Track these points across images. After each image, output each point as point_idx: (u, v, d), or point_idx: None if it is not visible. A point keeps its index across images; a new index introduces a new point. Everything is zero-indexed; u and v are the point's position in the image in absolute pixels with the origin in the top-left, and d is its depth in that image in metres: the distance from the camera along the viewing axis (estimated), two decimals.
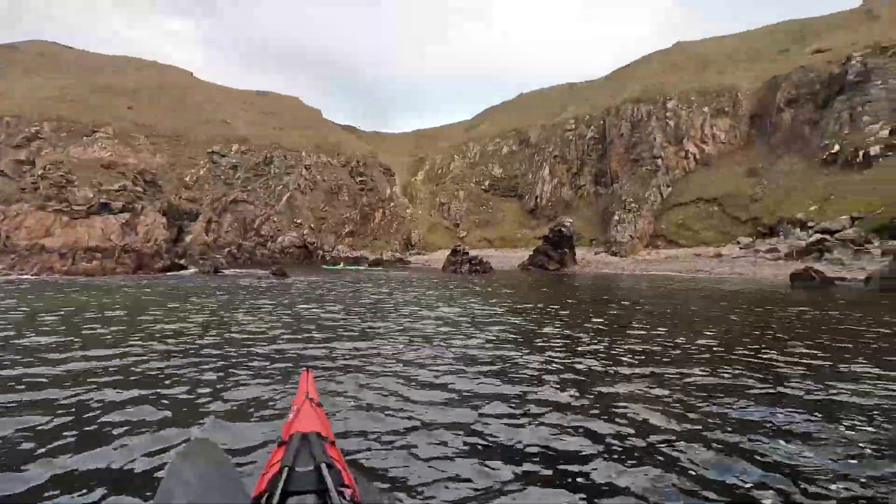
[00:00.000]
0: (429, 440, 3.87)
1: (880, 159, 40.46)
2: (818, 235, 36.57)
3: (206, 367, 6.29)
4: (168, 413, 4.48)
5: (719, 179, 52.62)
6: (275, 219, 56.33)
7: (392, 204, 78.35)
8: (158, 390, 5.17)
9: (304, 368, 3.11)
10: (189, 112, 63.18)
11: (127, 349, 7.36)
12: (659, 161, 56.00)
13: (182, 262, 35.22)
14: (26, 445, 3.75)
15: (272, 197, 57.60)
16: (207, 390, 5.25)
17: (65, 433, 4.01)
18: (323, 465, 1.84)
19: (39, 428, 4.07)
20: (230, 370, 6.08)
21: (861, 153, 41.89)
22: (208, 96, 71.61)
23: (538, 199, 72.86)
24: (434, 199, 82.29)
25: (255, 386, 5.43)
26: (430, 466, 3.41)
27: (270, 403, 4.80)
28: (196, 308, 12.64)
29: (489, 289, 19.36)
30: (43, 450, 3.66)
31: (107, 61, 77.77)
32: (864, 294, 18.00)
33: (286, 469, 1.81)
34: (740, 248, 42.86)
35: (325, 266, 48.99)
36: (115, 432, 4.01)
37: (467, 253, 30.58)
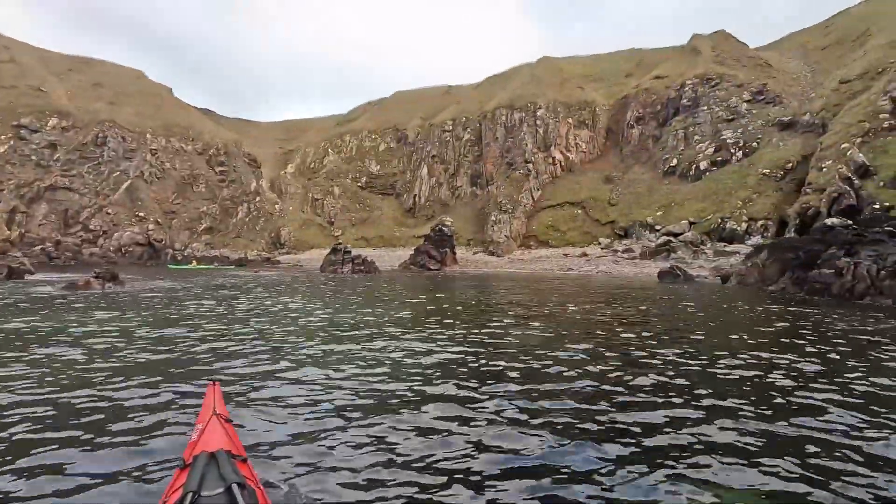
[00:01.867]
0: (346, 452, 3.56)
1: (707, 173, 47.31)
2: (664, 237, 41.29)
3: None
4: None
5: (582, 185, 57.25)
6: (109, 211, 47.13)
7: (258, 198, 71.58)
8: None
9: (211, 381, 2.86)
10: None
11: None
12: (530, 166, 59.09)
13: None
14: None
15: (105, 185, 48.13)
16: None
17: None
18: (234, 486, 1.67)
19: None
20: None
21: (693, 167, 48.60)
22: (13, 55, 57.58)
23: (417, 199, 72.36)
24: (306, 195, 77.08)
25: None
26: (349, 479, 3.14)
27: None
28: None
29: (384, 293, 17.52)
30: None
31: None
32: (724, 287, 20.07)
33: (190, 495, 1.62)
34: (602, 249, 46.80)
35: (170, 266, 42.11)
36: None
37: (349, 251, 28.17)
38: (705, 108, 51.58)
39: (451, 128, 72.46)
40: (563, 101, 64.50)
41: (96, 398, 4.71)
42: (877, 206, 31.49)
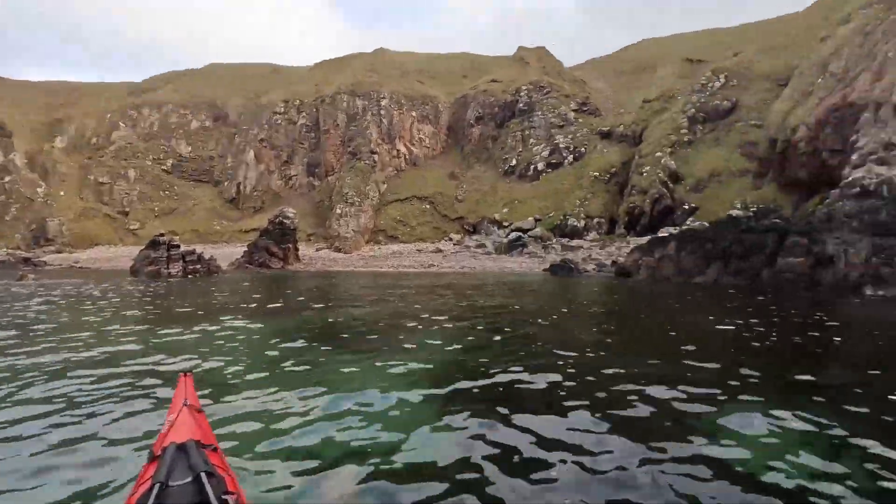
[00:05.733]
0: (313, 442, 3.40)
1: (543, 173, 50.73)
2: (514, 233, 42.60)
3: None
4: None
5: (428, 180, 56.38)
6: None
7: (9, 178, 53.38)
8: None
9: (183, 373, 2.78)
10: None
11: None
12: (376, 157, 55.95)
13: None
14: None
15: None
16: None
17: None
18: (203, 475, 1.66)
19: None
20: None
21: (532, 167, 51.66)
22: None
23: (241, 187, 62.68)
24: (86, 177, 60.38)
25: None
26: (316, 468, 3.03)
27: None
28: None
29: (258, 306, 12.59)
30: None
31: None
32: (610, 278, 20.26)
33: (158, 486, 1.62)
34: (454, 244, 46.38)
35: None
36: None
37: (177, 245, 20.96)
38: (540, 113, 55.43)
39: (282, 110, 64.66)
40: (405, 93, 62.88)
41: None
42: (686, 206, 37.02)
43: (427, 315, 9.67)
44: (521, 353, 6.11)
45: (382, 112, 58.88)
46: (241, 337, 7.10)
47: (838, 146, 21.23)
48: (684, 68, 56.85)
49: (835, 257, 12.58)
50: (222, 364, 5.64)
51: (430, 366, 5.41)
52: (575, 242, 39.64)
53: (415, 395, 4.40)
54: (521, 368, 5.40)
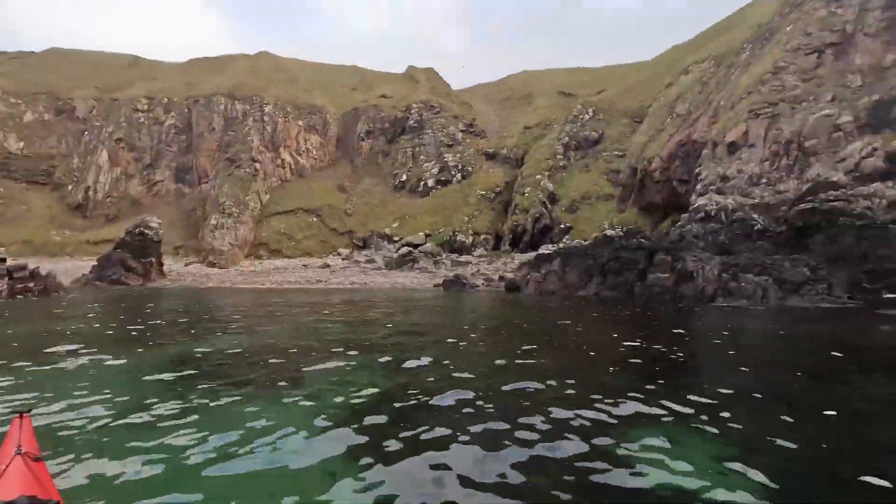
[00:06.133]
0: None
1: (433, 190, 51.71)
2: (405, 248, 42.59)
3: None
4: None
5: (316, 192, 54.21)
6: None
7: None
8: None
9: (18, 413, 2.40)
10: None
11: None
12: (257, 165, 52.40)
13: None
14: None
15: None
16: None
17: None
18: None
19: None
20: None
21: (422, 183, 52.38)
22: None
23: (91, 192, 54.35)
24: None
25: None
26: None
27: None
28: None
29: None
30: None
31: None
32: (501, 292, 21.00)
33: None
34: (342, 259, 44.91)
35: None
36: None
37: (3, 259, 16.87)
38: (430, 131, 56.63)
39: (146, 108, 57.83)
40: (291, 100, 60.15)
41: None
42: (562, 226, 40.19)
43: (321, 341, 8.97)
44: (429, 379, 5.84)
45: (266, 118, 55.56)
46: (90, 373, 5.81)
47: (685, 176, 24.95)
48: (559, 100, 62.39)
49: (694, 273, 14.65)
50: (64, 408, 4.51)
51: (327, 404, 4.89)
52: (464, 258, 40.78)
53: (310, 443, 3.86)
54: (423, 394, 5.13)
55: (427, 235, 44.58)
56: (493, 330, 10.42)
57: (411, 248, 42.13)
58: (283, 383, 5.46)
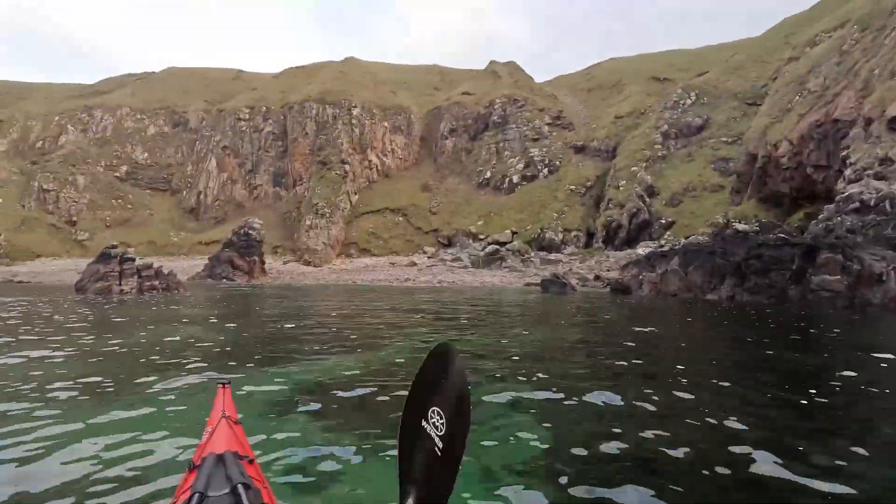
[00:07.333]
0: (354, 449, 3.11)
1: (518, 186, 50.29)
2: (492, 246, 41.69)
3: None
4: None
5: (401, 191, 55.01)
6: None
7: None
8: None
9: (220, 384, 2.57)
10: None
11: None
12: (347, 167, 54.18)
13: None
14: None
15: None
16: None
17: None
18: (240, 486, 1.66)
19: None
20: None
21: (506, 180, 51.16)
22: None
23: (202, 197, 59.46)
24: (29, 184, 55.78)
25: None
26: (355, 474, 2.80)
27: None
28: None
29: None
30: None
31: None
32: (604, 294, 19.39)
33: (197, 495, 1.62)
34: (428, 258, 45.02)
35: None
36: None
37: (132, 258, 18.64)
38: (514, 126, 55.24)
39: (247, 116, 62.08)
40: (377, 102, 61.57)
41: None
42: (663, 220, 37.08)
43: (477, 373, 8.27)
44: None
45: (354, 121, 57.30)
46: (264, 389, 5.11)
47: (824, 161, 21.51)
48: (652, 85, 58.11)
49: (884, 276, 12.02)
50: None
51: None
52: (553, 256, 39.09)
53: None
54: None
55: (514, 233, 43.35)
56: (685, 351, 8.78)
57: (498, 247, 41.15)
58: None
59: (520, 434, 3.68)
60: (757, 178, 25.77)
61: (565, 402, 4.54)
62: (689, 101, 45.76)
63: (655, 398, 4.63)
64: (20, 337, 8.28)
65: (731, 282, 14.88)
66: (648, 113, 49.55)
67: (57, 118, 63.64)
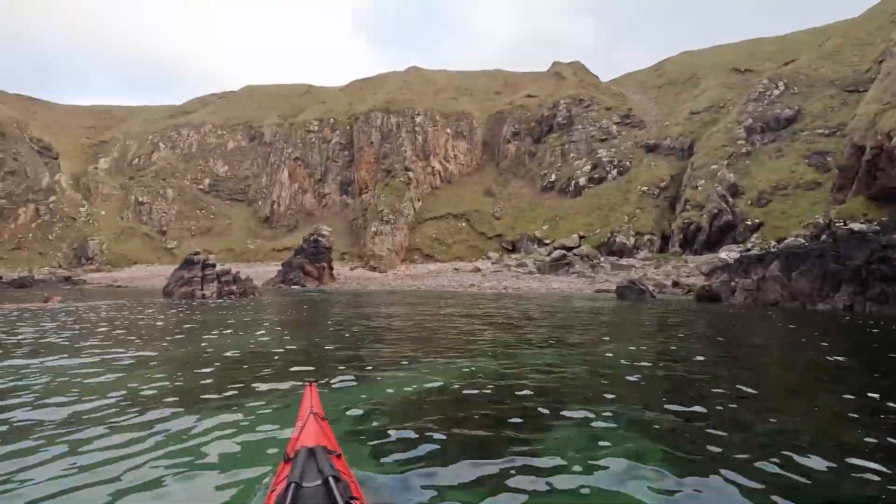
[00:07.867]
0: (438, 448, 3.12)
1: (585, 189, 48.44)
2: (558, 251, 40.30)
3: None
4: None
5: (464, 197, 54.84)
6: None
7: (54, 198, 54.51)
8: None
9: (308, 382, 2.93)
10: None
11: None
12: (410, 174, 54.85)
13: None
14: None
15: None
16: None
17: None
18: (331, 479, 1.77)
19: None
20: None
21: (573, 183, 49.47)
22: None
23: (275, 206, 62.61)
24: (127, 198, 61.38)
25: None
26: (440, 472, 2.75)
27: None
28: None
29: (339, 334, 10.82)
30: None
31: None
32: (689, 302, 17.86)
33: (293, 485, 1.75)
34: (492, 263, 44.33)
35: None
36: None
37: (213, 265, 19.77)
38: (580, 127, 53.46)
39: (316, 128, 64.72)
40: (439, 109, 61.97)
41: None
42: (749, 222, 34.11)
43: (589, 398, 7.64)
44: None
45: (417, 129, 58.00)
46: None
47: None
48: (732, 77, 54.09)
49: None
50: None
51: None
52: (625, 261, 37.11)
53: None
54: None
55: (581, 237, 41.71)
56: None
57: (564, 252, 39.71)
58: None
59: None
60: (865, 173, 22.88)
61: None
62: (776, 92, 41.94)
63: None
64: (125, 338, 8.67)
65: (848, 289, 12.90)
66: (728, 107, 46.06)
67: (150, 137, 69.70)
